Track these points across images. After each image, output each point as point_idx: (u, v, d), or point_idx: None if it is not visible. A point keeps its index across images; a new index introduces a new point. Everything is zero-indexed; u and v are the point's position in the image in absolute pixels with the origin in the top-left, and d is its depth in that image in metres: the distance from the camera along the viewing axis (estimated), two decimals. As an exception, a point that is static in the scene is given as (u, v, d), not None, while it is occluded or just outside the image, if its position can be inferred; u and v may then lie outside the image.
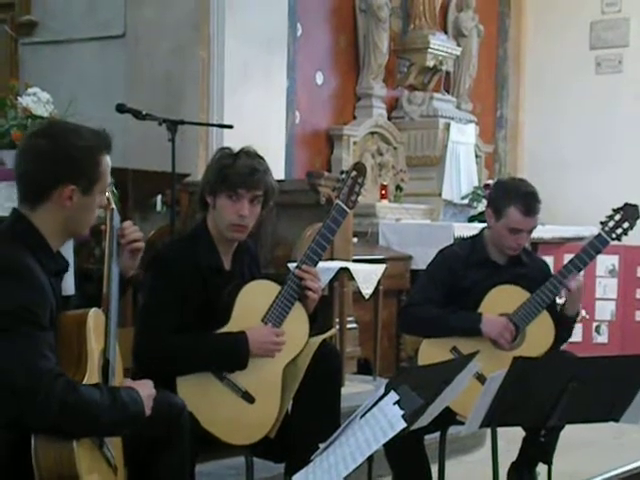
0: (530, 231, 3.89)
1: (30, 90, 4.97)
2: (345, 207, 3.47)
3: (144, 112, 4.77)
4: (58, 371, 2.43)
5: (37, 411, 2.37)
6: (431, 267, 4.00)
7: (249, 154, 3.38)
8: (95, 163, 2.61)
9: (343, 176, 3.52)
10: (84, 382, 2.48)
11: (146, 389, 2.65)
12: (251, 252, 3.54)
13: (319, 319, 3.55)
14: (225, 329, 3.29)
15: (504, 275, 3.89)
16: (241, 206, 3.33)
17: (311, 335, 3.40)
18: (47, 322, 2.46)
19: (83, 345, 2.54)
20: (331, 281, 5.36)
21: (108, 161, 2.66)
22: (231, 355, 3.27)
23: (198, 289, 3.29)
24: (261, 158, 3.40)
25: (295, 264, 3.46)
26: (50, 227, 2.58)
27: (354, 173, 3.52)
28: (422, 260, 6.85)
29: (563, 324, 3.88)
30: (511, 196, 3.85)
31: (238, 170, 3.31)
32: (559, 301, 3.90)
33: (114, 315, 2.70)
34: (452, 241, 7.07)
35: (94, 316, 2.61)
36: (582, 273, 3.87)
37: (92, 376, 2.53)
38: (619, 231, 3.87)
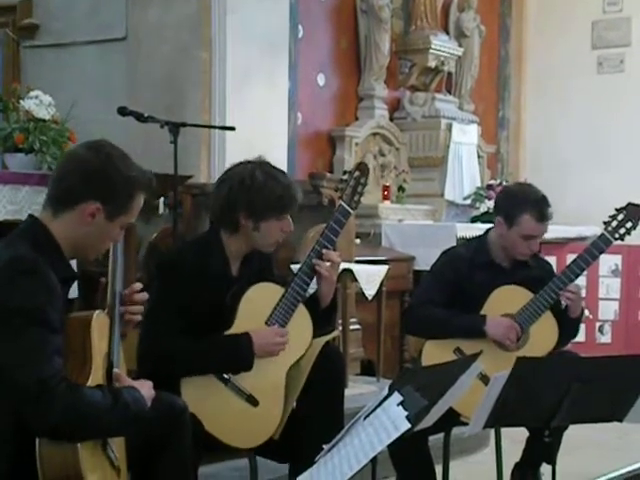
0: (542, 235, 3.89)
1: (32, 93, 4.98)
2: (348, 208, 3.46)
3: (146, 115, 4.76)
4: (62, 375, 2.42)
5: (40, 413, 2.37)
6: (435, 268, 4.00)
7: (277, 169, 3.38)
8: (129, 195, 2.62)
9: (346, 177, 3.51)
10: (88, 384, 2.48)
11: (145, 389, 2.64)
12: (262, 257, 3.48)
13: (335, 311, 3.57)
14: (229, 332, 3.29)
15: (509, 278, 3.87)
16: (287, 223, 3.36)
17: (315, 336, 3.40)
18: (58, 325, 2.46)
19: (87, 347, 2.55)
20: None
21: (141, 201, 2.67)
22: (236, 356, 3.26)
23: (204, 294, 3.27)
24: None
25: (298, 265, 3.46)
26: (65, 237, 2.58)
27: (357, 173, 3.51)
28: (425, 261, 6.82)
29: (569, 323, 3.88)
30: (523, 203, 3.83)
31: (292, 193, 3.33)
32: (563, 302, 3.89)
33: (118, 317, 2.70)
34: (455, 241, 7.08)
35: (98, 319, 2.61)
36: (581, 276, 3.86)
37: (96, 378, 2.53)
38: (622, 231, 3.87)
